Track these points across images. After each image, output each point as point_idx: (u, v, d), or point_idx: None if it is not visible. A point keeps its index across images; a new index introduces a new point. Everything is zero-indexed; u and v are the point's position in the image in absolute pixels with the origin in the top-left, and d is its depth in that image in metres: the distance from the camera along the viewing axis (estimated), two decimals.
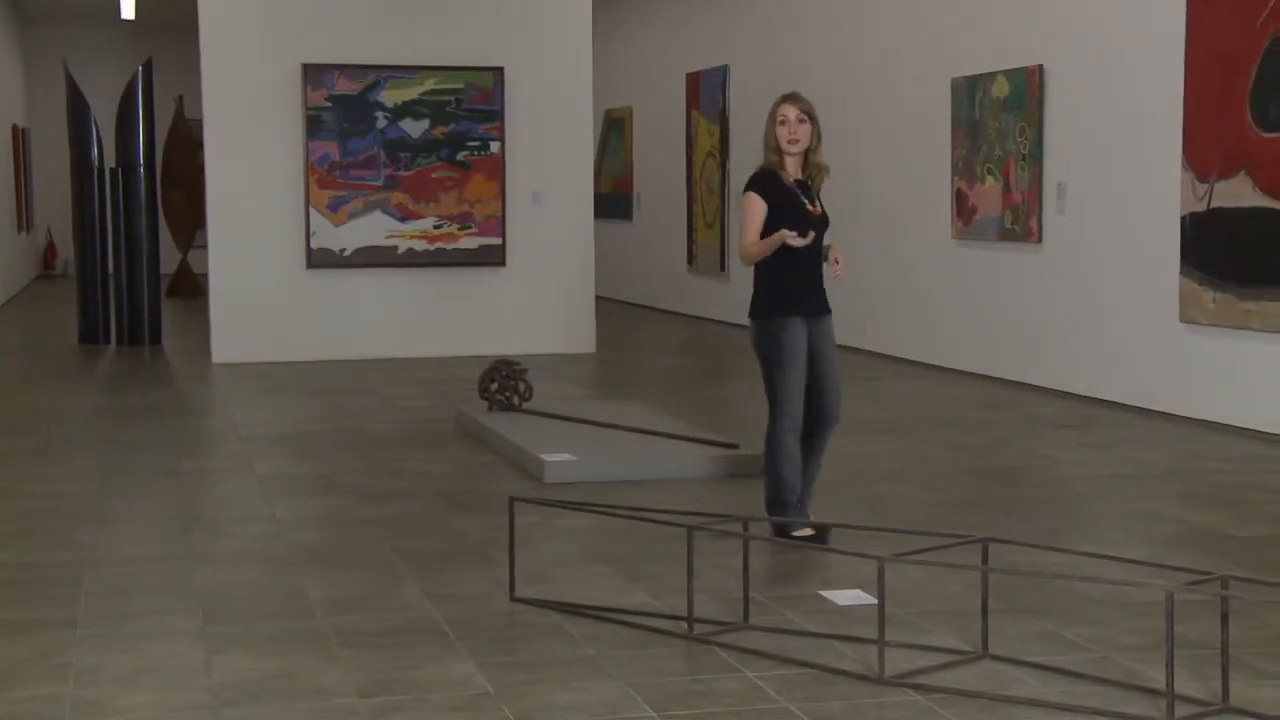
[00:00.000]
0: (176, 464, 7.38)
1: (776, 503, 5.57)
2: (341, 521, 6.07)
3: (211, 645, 4.37)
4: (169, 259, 17.74)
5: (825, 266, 5.59)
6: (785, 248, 5.45)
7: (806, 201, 5.55)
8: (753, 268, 5.59)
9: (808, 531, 5.45)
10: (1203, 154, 8.20)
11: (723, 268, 14.52)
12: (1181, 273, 8.38)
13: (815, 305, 5.58)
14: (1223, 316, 8.09)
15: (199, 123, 12.01)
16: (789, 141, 5.52)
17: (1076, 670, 4.06)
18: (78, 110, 13.27)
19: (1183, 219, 8.35)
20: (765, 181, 5.56)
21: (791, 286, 5.51)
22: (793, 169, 5.57)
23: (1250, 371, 8.00)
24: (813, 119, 5.56)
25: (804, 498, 5.64)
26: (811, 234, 5.46)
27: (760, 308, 5.56)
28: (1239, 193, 7.94)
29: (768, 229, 5.50)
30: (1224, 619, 3.77)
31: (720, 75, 14.47)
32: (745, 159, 14.04)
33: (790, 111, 5.54)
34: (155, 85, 13.41)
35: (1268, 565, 5.21)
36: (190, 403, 9.78)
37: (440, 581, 5.06)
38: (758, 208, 5.52)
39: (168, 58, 17.99)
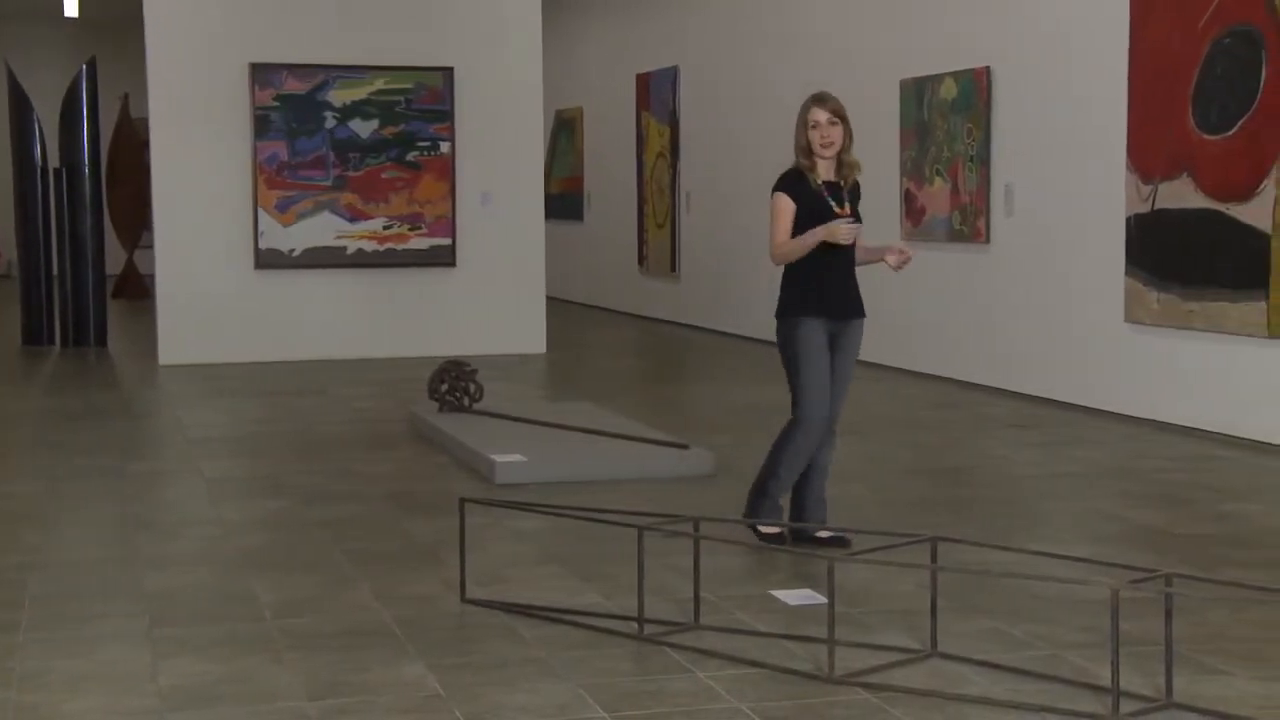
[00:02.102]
0: (123, 466, 7.31)
1: (760, 494, 5.50)
2: (291, 523, 6.03)
3: (159, 649, 4.33)
4: (114, 259, 17.59)
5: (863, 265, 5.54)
6: (820, 246, 5.38)
7: (835, 204, 5.47)
8: (781, 268, 5.53)
9: (774, 530, 5.42)
10: (1147, 156, 8.30)
11: (673, 268, 14.54)
12: (1126, 273, 8.47)
13: (843, 307, 5.49)
14: (1167, 316, 8.19)
15: (145, 122, 11.91)
16: (823, 145, 5.43)
17: (1024, 668, 4.10)
18: (20, 109, 13.11)
19: (1128, 220, 8.45)
20: (793, 183, 5.48)
21: (817, 287, 5.44)
22: (825, 171, 5.48)
23: (1194, 371, 8.10)
24: (844, 120, 5.46)
25: (807, 511, 5.53)
26: (857, 226, 5.38)
27: (782, 308, 5.51)
28: (1182, 194, 8.04)
29: (796, 230, 5.43)
30: (1168, 616, 3.82)
31: (670, 76, 14.49)
32: (696, 159, 14.08)
33: (821, 115, 5.43)
34: (100, 84, 13.27)
35: (1211, 563, 5.28)
36: (137, 404, 9.69)
37: (390, 583, 5.04)
38: (786, 207, 5.44)
39: (112, 56, 17.82)
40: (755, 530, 5.48)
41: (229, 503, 6.42)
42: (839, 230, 5.34)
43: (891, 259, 5.43)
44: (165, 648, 4.34)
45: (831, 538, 5.46)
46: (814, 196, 5.45)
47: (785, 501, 5.62)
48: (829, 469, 5.63)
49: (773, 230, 5.47)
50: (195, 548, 5.62)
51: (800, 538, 5.50)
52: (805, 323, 5.44)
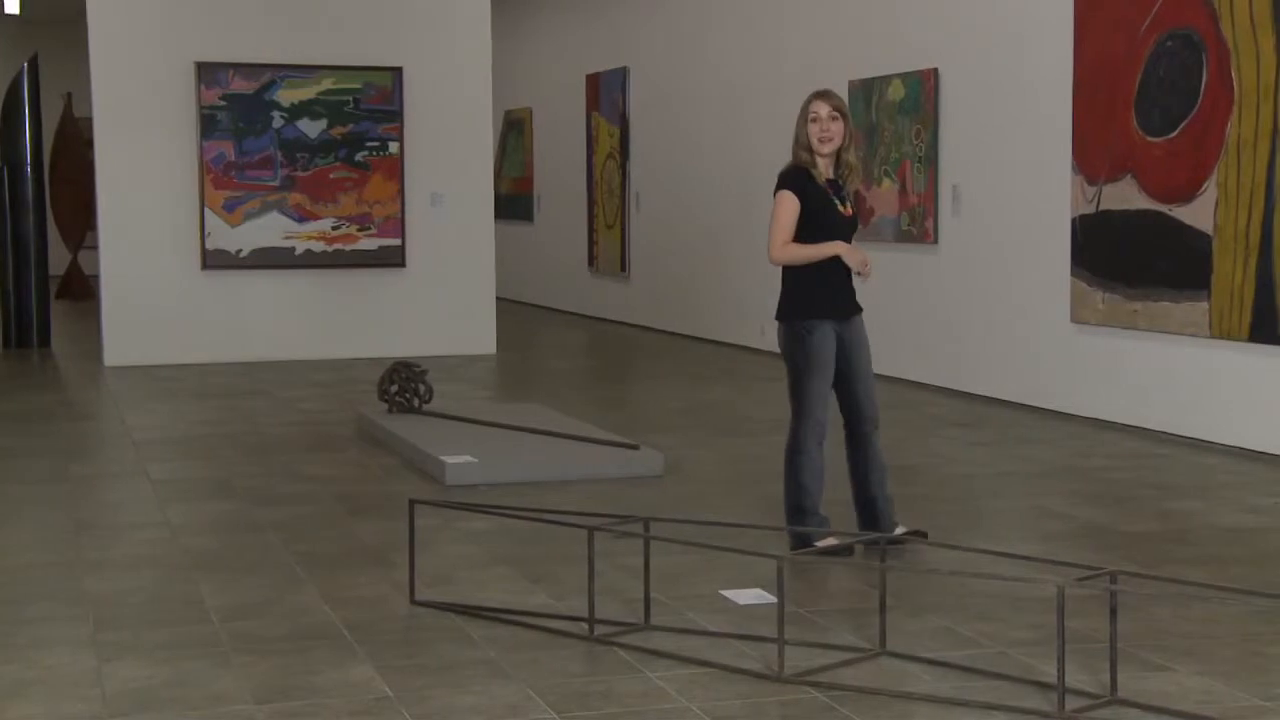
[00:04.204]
0: (67, 469, 7.23)
1: (796, 510, 5.38)
2: (238, 526, 5.99)
3: (103, 653, 4.28)
4: (58, 260, 17.38)
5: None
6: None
7: (838, 202, 5.40)
8: (780, 268, 5.44)
9: (832, 541, 5.23)
10: (1091, 157, 8.38)
11: (623, 269, 14.55)
12: (1072, 274, 8.56)
13: (846, 307, 5.42)
14: (1111, 317, 8.28)
15: (89, 121, 11.78)
16: (820, 140, 5.33)
17: (972, 666, 4.13)
18: None
19: (1073, 221, 8.53)
20: (798, 179, 5.37)
21: (821, 288, 5.36)
22: (825, 168, 5.39)
23: (1138, 371, 8.19)
24: (845, 116, 5.37)
25: (880, 511, 5.44)
26: (867, 262, 5.33)
27: (788, 310, 5.40)
28: (1126, 195, 8.13)
29: (798, 228, 5.35)
30: (1112, 613, 3.86)
31: (620, 77, 14.50)
32: (646, 160, 14.09)
33: (822, 109, 5.34)
34: (42, 82, 13.12)
35: (1154, 560, 5.34)
36: (81, 406, 9.58)
37: (339, 585, 5.02)
38: (791, 206, 5.32)
39: (55, 53, 17.60)
40: (812, 547, 5.23)
41: (175, 505, 6.36)
42: (854, 258, 5.30)
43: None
44: (109, 652, 4.30)
45: (909, 532, 5.35)
46: (819, 194, 5.36)
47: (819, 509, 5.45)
48: (886, 466, 5.51)
49: (774, 229, 5.35)
50: (141, 550, 5.56)
51: (876, 540, 5.23)
52: (817, 328, 5.33)
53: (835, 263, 5.37)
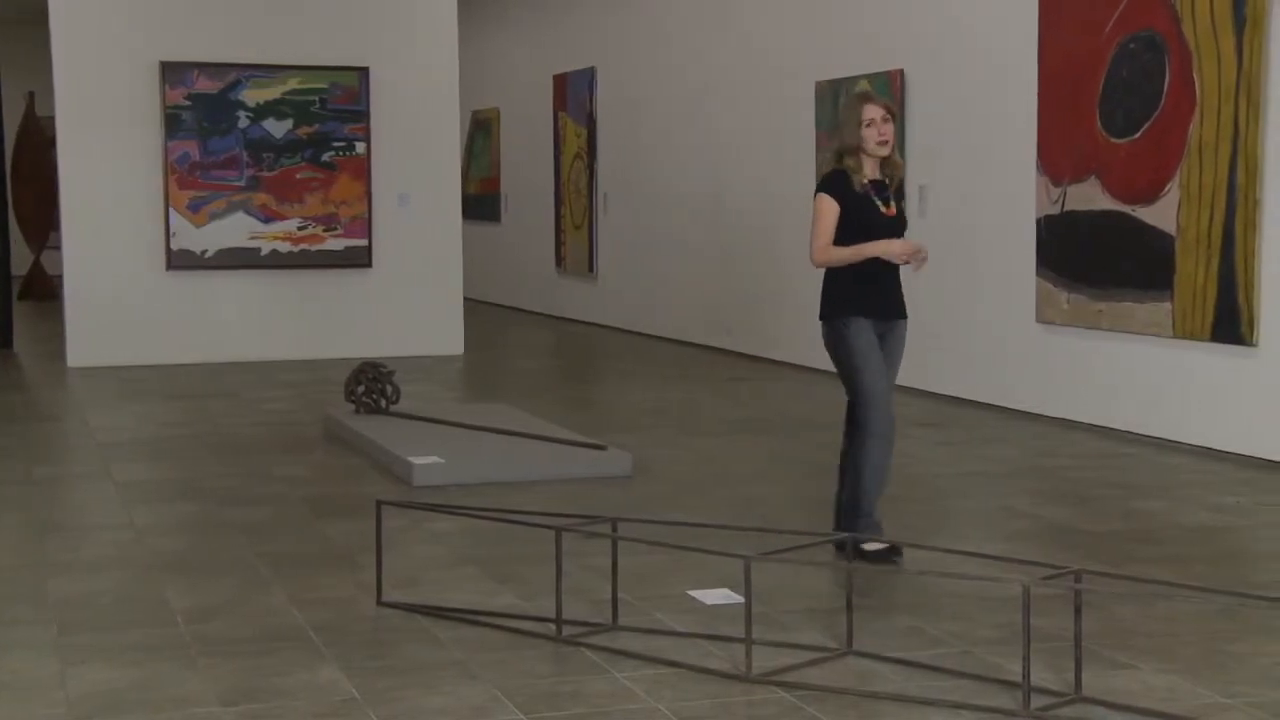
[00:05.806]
0: (30, 471, 7.18)
1: (853, 512, 5.32)
2: (204, 527, 5.96)
3: (67, 656, 4.26)
4: (21, 260, 17.25)
5: (904, 267, 5.44)
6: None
7: (881, 203, 5.39)
8: (823, 269, 5.43)
9: (881, 546, 5.19)
10: (1056, 159, 8.43)
11: (591, 269, 14.55)
12: (1038, 274, 8.61)
13: (888, 308, 5.41)
14: (1076, 317, 8.33)
15: (51, 120, 11.69)
16: (879, 143, 5.31)
17: (938, 664, 4.15)
18: None
19: (1038, 221, 8.58)
20: (836, 183, 5.36)
21: (861, 286, 5.35)
22: (870, 169, 5.38)
23: (1102, 371, 8.25)
24: (894, 117, 5.36)
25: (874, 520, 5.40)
26: (921, 256, 5.32)
27: (827, 309, 5.40)
28: (1090, 196, 8.19)
29: (840, 230, 5.34)
30: (1077, 612, 3.89)
31: (587, 77, 14.50)
32: (613, 161, 14.10)
33: (876, 112, 5.31)
34: (3, 81, 13.02)
35: (1119, 559, 5.38)
36: (44, 408, 9.51)
37: (306, 587, 5.00)
38: (831, 210, 5.32)
39: (16, 52, 17.48)
40: (861, 552, 5.20)
41: (140, 507, 6.33)
42: (894, 249, 5.29)
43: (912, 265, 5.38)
44: (74, 655, 4.27)
45: (887, 546, 5.28)
46: (859, 198, 5.35)
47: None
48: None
49: (815, 232, 5.35)
50: (105, 553, 5.53)
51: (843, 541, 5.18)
52: (854, 323, 5.33)
53: (875, 263, 5.36)
